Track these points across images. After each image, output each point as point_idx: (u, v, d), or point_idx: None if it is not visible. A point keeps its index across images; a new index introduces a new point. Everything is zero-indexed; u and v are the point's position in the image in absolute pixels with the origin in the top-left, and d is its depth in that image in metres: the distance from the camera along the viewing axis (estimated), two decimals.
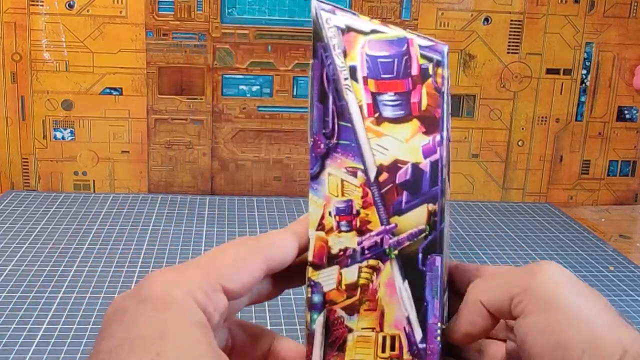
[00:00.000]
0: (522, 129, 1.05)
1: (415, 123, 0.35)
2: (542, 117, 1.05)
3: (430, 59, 0.35)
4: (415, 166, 0.35)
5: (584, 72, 1.04)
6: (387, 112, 0.36)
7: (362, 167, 0.36)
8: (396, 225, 0.35)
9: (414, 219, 0.35)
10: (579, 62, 1.04)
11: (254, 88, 0.99)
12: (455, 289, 0.41)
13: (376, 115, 0.36)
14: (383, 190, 0.35)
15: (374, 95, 0.36)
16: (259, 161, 1.02)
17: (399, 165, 0.35)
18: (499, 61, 1.02)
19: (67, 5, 0.94)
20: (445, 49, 0.35)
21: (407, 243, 0.35)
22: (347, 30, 0.36)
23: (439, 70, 0.35)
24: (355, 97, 0.36)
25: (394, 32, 0.36)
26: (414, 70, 0.35)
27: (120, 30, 0.95)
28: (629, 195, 1.10)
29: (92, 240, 0.82)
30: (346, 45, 0.36)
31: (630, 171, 1.09)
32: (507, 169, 1.07)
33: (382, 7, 0.98)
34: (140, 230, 0.86)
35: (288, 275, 0.37)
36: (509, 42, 1.02)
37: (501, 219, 0.98)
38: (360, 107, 0.36)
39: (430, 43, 0.35)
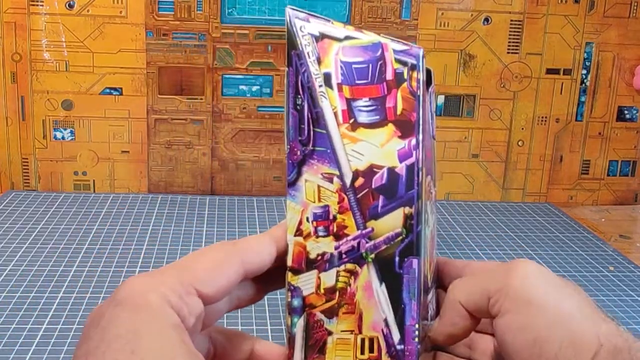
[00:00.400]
0: (522, 129, 1.05)
1: (390, 128, 0.36)
2: (542, 117, 1.05)
3: (405, 63, 0.36)
4: (391, 170, 0.36)
5: (584, 72, 1.04)
6: (362, 118, 0.36)
7: (337, 173, 0.36)
8: (372, 230, 0.36)
9: (391, 223, 0.36)
10: (579, 62, 1.04)
11: (254, 88, 0.99)
12: (444, 285, 0.41)
13: (351, 121, 0.36)
14: (359, 195, 0.36)
15: (348, 102, 0.36)
16: (258, 161, 1.02)
17: (375, 170, 0.36)
18: (499, 61, 1.02)
19: (67, 5, 0.94)
20: (421, 52, 0.36)
21: (383, 247, 0.36)
22: (321, 37, 0.36)
23: (414, 74, 0.36)
24: (330, 103, 0.36)
25: (368, 37, 0.36)
26: (389, 75, 0.36)
27: (120, 30, 0.95)
28: (629, 195, 1.10)
29: (92, 240, 0.82)
30: (320, 53, 0.36)
31: (630, 171, 1.09)
32: (507, 169, 1.07)
33: (382, 7, 0.98)
34: (140, 230, 0.86)
35: (269, 279, 0.37)
36: (509, 42, 1.02)
37: (501, 219, 0.98)
38: (335, 114, 0.36)
39: (405, 47, 0.36)
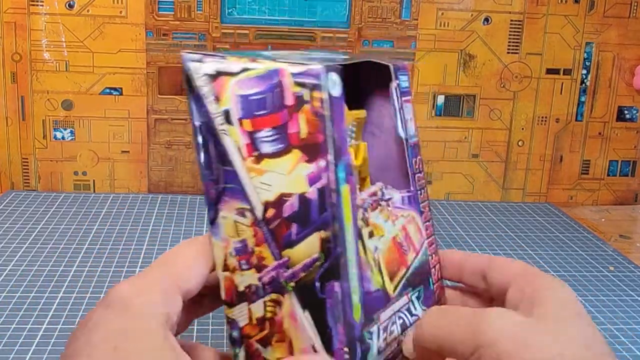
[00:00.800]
0: (522, 129, 1.05)
1: (296, 153, 0.35)
2: (542, 117, 1.05)
3: (304, 85, 0.35)
4: (301, 197, 0.35)
5: (584, 72, 1.04)
6: (266, 148, 0.35)
7: (248, 207, 0.36)
8: (289, 259, 0.35)
9: (306, 250, 0.35)
10: (579, 62, 1.04)
11: None
12: (466, 280, 0.42)
13: (255, 154, 0.35)
14: (272, 226, 0.36)
15: (250, 135, 0.35)
16: None
17: (285, 198, 0.35)
18: (499, 61, 1.02)
19: (67, 5, 0.94)
20: (321, 70, 0.34)
21: (302, 274, 0.35)
22: (216, 75, 0.36)
23: (316, 94, 0.34)
24: (233, 140, 0.36)
25: (264, 65, 0.35)
26: (289, 101, 0.35)
27: (120, 30, 0.95)
28: (629, 195, 1.10)
29: (92, 240, 0.82)
30: (217, 91, 0.36)
31: (630, 171, 1.09)
32: (507, 169, 1.07)
33: (382, 7, 0.98)
34: (140, 230, 0.86)
35: (196, 306, 0.39)
36: (509, 42, 1.02)
37: (501, 219, 0.98)
38: (239, 149, 0.36)
39: (303, 68, 0.35)
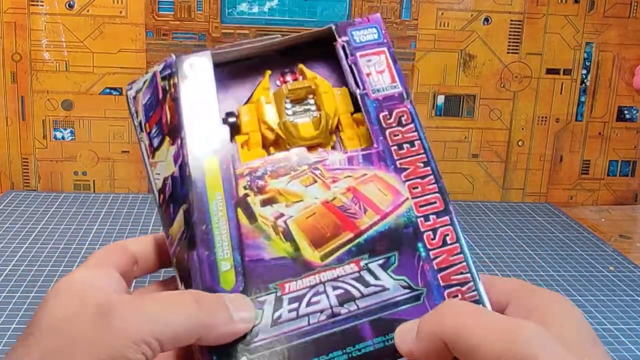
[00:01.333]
0: (522, 129, 1.05)
1: (167, 140, 0.38)
2: (542, 117, 1.05)
3: (165, 77, 0.39)
4: (172, 177, 0.38)
5: (584, 72, 1.04)
6: (155, 143, 0.39)
7: (154, 197, 0.39)
8: (172, 237, 0.37)
9: (177, 225, 0.37)
10: (579, 62, 1.04)
11: None
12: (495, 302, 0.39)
13: (151, 149, 0.40)
14: (163, 209, 0.38)
15: (149, 135, 0.39)
16: None
17: (165, 182, 0.38)
18: (499, 61, 1.02)
19: (67, 5, 0.94)
20: (173, 57, 0.39)
21: (178, 249, 0.37)
22: (135, 94, 0.41)
23: (172, 80, 0.38)
24: (144, 144, 0.40)
25: (149, 74, 0.40)
26: (160, 95, 0.39)
27: (120, 30, 0.95)
28: (629, 195, 1.10)
29: (92, 240, 0.82)
30: (136, 108, 0.41)
31: (630, 171, 1.09)
32: (507, 169, 1.07)
33: (382, 7, 0.98)
34: (140, 231, 0.86)
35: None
36: (509, 42, 1.02)
37: (501, 219, 0.98)
38: (146, 150, 0.40)
39: (164, 62, 0.39)
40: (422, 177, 0.39)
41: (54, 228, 0.85)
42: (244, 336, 0.35)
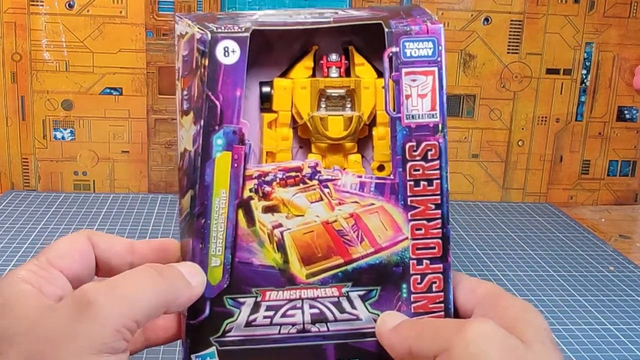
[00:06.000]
0: (522, 129, 1.05)
1: (191, 115, 0.38)
2: (542, 117, 1.05)
3: (199, 51, 0.37)
4: (189, 154, 0.38)
5: (584, 72, 1.04)
6: (184, 106, 0.39)
7: (176, 154, 0.40)
8: (181, 207, 0.38)
9: (185, 203, 0.38)
10: (579, 62, 1.04)
11: None
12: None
13: (180, 109, 0.39)
14: (179, 176, 0.39)
15: (182, 92, 0.39)
16: None
17: (184, 153, 0.38)
18: (499, 61, 1.02)
19: (67, 5, 0.94)
20: (208, 37, 0.36)
21: (182, 223, 0.38)
22: (180, 36, 0.39)
23: (204, 61, 0.36)
24: (178, 93, 0.40)
25: (190, 30, 0.38)
26: (194, 65, 0.37)
27: (120, 30, 0.95)
28: (629, 195, 1.10)
29: None
30: (178, 49, 0.40)
31: (630, 171, 1.09)
32: (507, 169, 1.07)
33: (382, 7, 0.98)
34: (140, 231, 0.86)
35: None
36: (509, 42, 1.02)
37: (501, 219, 0.98)
38: (179, 103, 0.40)
39: (199, 35, 0.37)
40: (429, 220, 0.38)
41: (54, 228, 0.85)
42: (218, 328, 0.37)
